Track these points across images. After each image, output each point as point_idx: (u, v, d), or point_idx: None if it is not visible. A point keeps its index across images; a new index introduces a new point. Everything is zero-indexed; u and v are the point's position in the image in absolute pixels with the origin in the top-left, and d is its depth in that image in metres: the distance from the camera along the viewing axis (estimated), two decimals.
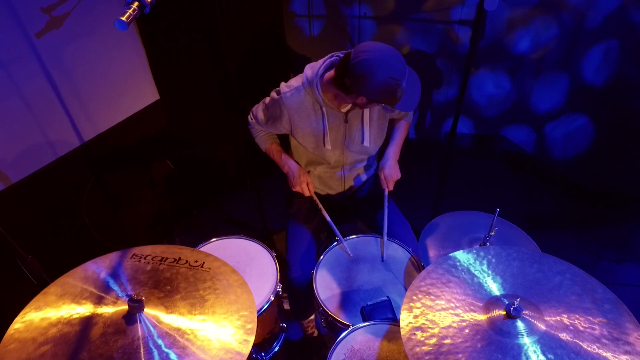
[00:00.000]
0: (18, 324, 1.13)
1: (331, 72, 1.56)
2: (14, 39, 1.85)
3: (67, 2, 1.96)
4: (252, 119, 1.88)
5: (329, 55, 1.63)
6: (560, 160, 3.14)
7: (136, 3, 1.21)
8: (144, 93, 2.57)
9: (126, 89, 2.44)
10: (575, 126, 2.98)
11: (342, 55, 1.60)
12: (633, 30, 2.51)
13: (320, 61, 1.62)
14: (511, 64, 3.02)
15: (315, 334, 2.16)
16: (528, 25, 2.83)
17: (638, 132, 2.68)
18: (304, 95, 1.63)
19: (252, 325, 1.17)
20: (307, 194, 1.79)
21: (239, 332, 1.15)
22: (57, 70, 2.03)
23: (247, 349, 1.12)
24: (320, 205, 1.79)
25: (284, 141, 1.94)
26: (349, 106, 1.66)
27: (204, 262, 1.34)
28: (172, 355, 1.07)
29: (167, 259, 1.34)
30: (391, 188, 1.81)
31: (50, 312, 1.16)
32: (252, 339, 1.14)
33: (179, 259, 1.34)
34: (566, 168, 3.12)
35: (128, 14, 1.19)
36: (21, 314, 1.16)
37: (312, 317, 2.08)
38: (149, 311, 1.16)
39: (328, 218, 1.79)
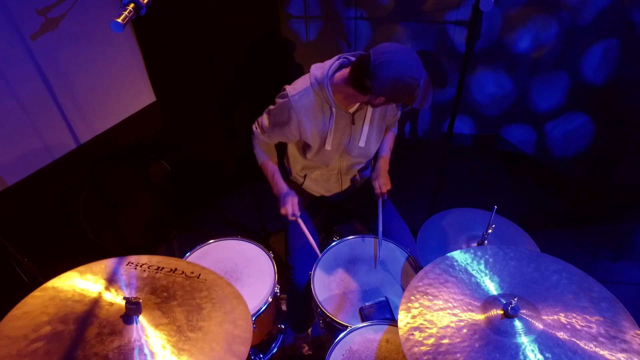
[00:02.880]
0: (8, 321, 1.12)
1: (343, 73, 1.57)
2: (9, 40, 1.84)
3: (62, 4, 1.95)
4: (256, 128, 1.85)
5: (337, 56, 1.63)
6: (560, 159, 3.15)
7: (132, 5, 1.21)
8: (140, 95, 2.56)
9: (122, 91, 2.43)
10: (575, 125, 3.00)
11: (351, 57, 1.61)
12: (632, 29, 2.52)
13: (329, 62, 1.62)
14: (512, 63, 3.04)
15: (311, 353, 2.14)
16: (527, 25, 2.85)
17: (637, 131, 2.70)
18: (313, 96, 1.61)
19: (248, 336, 1.18)
20: (290, 218, 1.78)
21: (234, 342, 1.15)
22: (52, 72, 2.03)
23: (243, 357, 1.12)
24: (304, 227, 1.77)
25: (280, 147, 1.93)
26: (356, 106, 1.67)
27: (200, 274, 1.34)
28: (171, 357, 1.07)
29: (163, 268, 1.33)
30: (385, 197, 1.85)
31: (45, 310, 1.15)
32: (247, 348, 1.14)
33: (175, 269, 1.34)
34: (565, 167, 3.14)
35: (124, 15, 1.19)
36: (12, 311, 1.14)
37: (309, 331, 2.07)
38: (146, 314, 1.15)
39: (311, 239, 1.76)
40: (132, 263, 1.33)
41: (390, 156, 1.96)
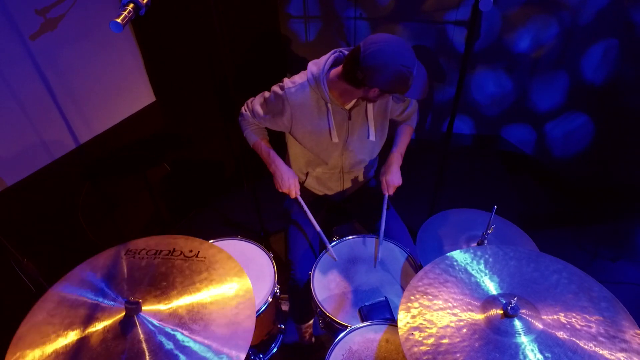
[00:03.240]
0: (18, 341, 1.11)
1: (338, 69, 1.56)
2: (8, 41, 1.84)
3: (62, 4, 1.96)
4: (245, 110, 1.83)
5: (332, 51, 1.62)
6: (560, 159, 3.15)
7: (131, 5, 1.21)
8: (140, 95, 2.56)
9: (122, 91, 2.43)
10: (575, 125, 3.00)
11: (345, 51, 1.60)
12: (632, 29, 2.52)
13: (324, 57, 1.61)
14: (511, 63, 3.04)
15: (313, 341, 2.14)
16: (527, 25, 2.85)
17: (636, 130, 2.70)
18: (309, 91, 1.61)
19: (252, 312, 1.17)
20: (292, 196, 1.77)
21: (239, 322, 1.15)
22: (52, 72, 2.03)
23: (248, 340, 1.11)
24: (307, 208, 1.76)
25: (277, 140, 1.92)
26: (353, 102, 1.66)
27: (198, 251, 1.33)
28: (174, 351, 1.07)
29: (161, 251, 1.33)
30: (391, 193, 1.81)
31: (49, 323, 1.15)
32: (252, 328, 1.14)
33: (174, 250, 1.33)
34: (565, 167, 3.13)
35: (123, 15, 1.19)
36: (20, 328, 1.14)
37: (311, 322, 2.07)
38: (148, 309, 1.15)
39: (314, 221, 1.76)
40: (130, 251, 1.32)
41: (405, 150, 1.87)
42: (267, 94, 1.74)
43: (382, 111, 1.74)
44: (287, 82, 1.65)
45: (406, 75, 1.43)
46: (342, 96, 1.60)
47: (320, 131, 1.69)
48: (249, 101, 1.83)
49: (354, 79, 1.47)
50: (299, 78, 1.64)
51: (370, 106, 1.68)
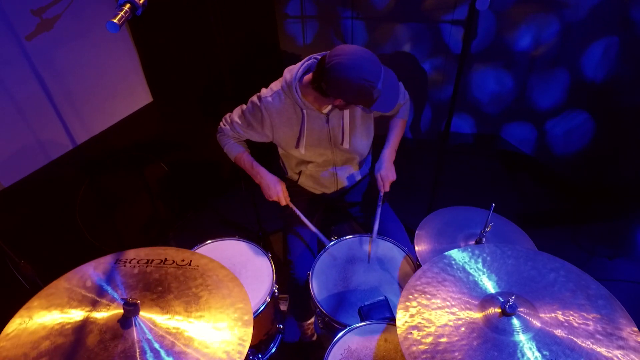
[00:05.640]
0: (3, 342, 1.09)
1: (309, 75, 1.58)
2: (4, 41, 1.83)
3: (58, 4, 1.95)
4: (224, 125, 1.82)
5: (307, 57, 1.64)
6: (560, 158, 3.16)
7: (128, 5, 1.21)
8: (137, 95, 2.56)
9: (119, 92, 2.43)
10: (576, 123, 3.00)
11: (319, 58, 1.61)
12: (632, 27, 2.53)
13: (299, 64, 1.63)
14: (512, 61, 3.04)
15: (314, 338, 2.15)
16: (527, 23, 2.86)
17: (636, 128, 2.70)
18: (284, 98, 1.63)
19: (249, 317, 1.18)
20: (283, 203, 1.78)
21: (237, 325, 1.15)
22: (48, 73, 2.02)
23: (247, 341, 1.11)
24: (299, 212, 1.78)
25: (263, 145, 1.90)
26: (330, 107, 1.67)
27: (191, 261, 1.33)
28: (173, 355, 1.07)
29: (153, 260, 1.32)
30: (387, 189, 1.81)
31: (39, 325, 1.13)
32: (250, 331, 1.14)
33: (165, 259, 1.32)
34: (565, 165, 3.14)
35: (120, 15, 1.19)
36: (4, 330, 1.12)
37: (312, 319, 2.07)
38: (145, 314, 1.15)
39: (309, 223, 1.77)
40: (121, 261, 1.31)
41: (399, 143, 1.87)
42: (244, 106, 1.76)
43: (365, 113, 1.74)
44: (264, 91, 1.67)
45: (368, 89, 1.43)
46: (316, 101, 1.61)
47: (297, 137, 1.69)
48: (226, 116, 1.83)
49: (320, 89, 1.49)
50: (275, 86, 1.66)
51: (346, 111, 1.68)
